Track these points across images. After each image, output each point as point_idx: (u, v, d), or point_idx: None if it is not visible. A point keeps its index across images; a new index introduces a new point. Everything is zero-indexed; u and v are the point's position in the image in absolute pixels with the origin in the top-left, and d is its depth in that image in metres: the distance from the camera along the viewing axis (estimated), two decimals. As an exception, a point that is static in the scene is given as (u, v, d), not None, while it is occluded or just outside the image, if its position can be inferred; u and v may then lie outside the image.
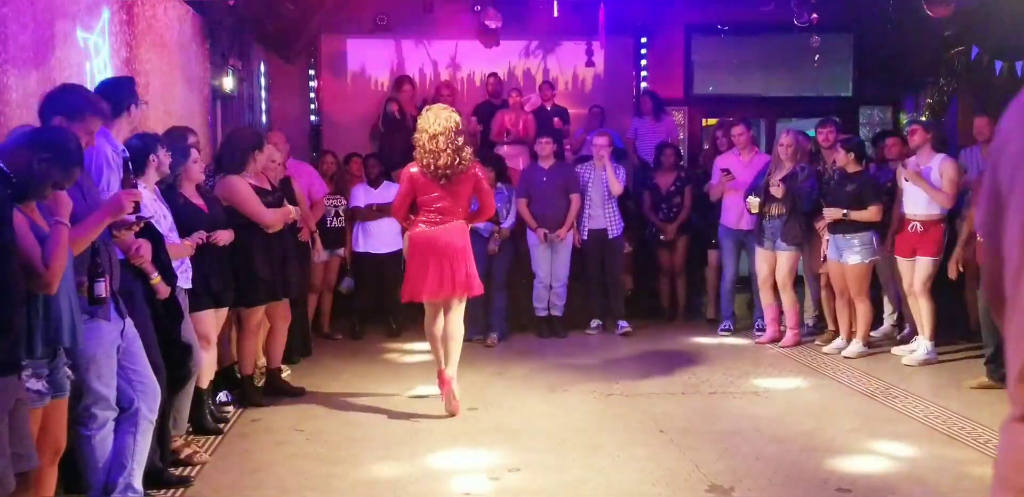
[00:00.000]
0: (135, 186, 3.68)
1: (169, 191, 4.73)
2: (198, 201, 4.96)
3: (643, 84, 10.26)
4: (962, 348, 6.88)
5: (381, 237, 7.70)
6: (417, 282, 5.45)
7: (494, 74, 9.82)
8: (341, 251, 7.64)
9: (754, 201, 7.15)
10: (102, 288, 3.21)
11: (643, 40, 10.29)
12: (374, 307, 7.88)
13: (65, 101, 3.44)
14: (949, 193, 6.58)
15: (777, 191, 7.01)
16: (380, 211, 7.57)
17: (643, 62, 10.33)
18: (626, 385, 6.12)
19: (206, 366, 4.96)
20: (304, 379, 6.22)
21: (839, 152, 6.84)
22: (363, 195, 7.73)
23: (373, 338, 7.64)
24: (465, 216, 5.58)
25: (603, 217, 7.78)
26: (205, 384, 5.04)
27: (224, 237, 4.98)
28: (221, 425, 5.18)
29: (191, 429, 4.93)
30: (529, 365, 6.78)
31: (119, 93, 3.94)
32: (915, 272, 6.68)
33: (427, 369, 6.67)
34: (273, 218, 5.51)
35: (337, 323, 7.81)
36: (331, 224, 7.49)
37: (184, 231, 4.68)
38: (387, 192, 7.50)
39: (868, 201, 6.71)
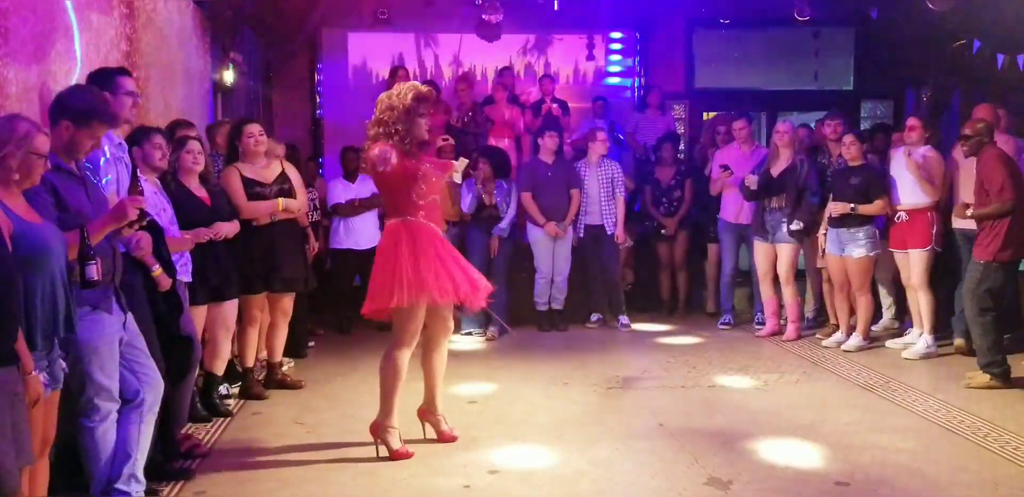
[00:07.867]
0: (141, 192, 3.69)
1: (168, 181, 4.75)
2: (201, 193, 4.98)
3: (640, 80, 10.25)
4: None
5: (364, 232, 7.52)
6: None
7: (508, 68, 9.82)
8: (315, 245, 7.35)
9: (752, 178, 7.15)
10: (93, 271, 3.17)
11: (643, 34, 10.27)
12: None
13: (74, 105, 3.45)
14: (936, 185, 6.61)
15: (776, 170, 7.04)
16: (363, 206, 7.47)
17: (644, 56, 10.32)
18: (626, 378, 6.13)
19: (222, 355, 5.33)
20: (304, 373, 6.23)
21: (851, 144, 6.81)
22: (341, 190, 7.59)
23: (369, 332, 7.59)
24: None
25: (600, 213, 7.78)
26: (220, 371, 5.36)
27: (225, 229, 5.02)
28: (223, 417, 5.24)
29: (204, 413, 5.15)
30: (529, 358, 6.79)
31: (100, 81, 3.95)
32: (910, 266, 6.69)
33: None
34: (252, 212, 5.48)
35: (322, 318, 7.76)
36: (311, 218, 7.22)
37: (184, 223, 4.70)
38: (365, 185, 7.36)
39: (875, 194, 6.70)
